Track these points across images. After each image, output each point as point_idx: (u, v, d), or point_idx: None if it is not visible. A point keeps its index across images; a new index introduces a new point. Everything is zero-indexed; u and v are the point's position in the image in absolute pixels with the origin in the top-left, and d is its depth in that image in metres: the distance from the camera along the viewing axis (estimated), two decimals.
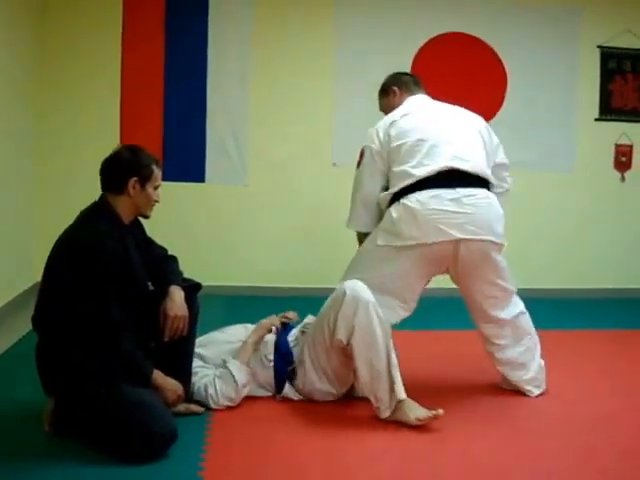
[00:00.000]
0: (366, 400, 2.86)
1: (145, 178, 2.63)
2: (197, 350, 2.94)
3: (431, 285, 3.23)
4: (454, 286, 3.15)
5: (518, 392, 3.16)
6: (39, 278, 2.62)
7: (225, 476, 2.33)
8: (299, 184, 5.46)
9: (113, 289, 2.48)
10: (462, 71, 5.50)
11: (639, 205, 5.83)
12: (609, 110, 5.75)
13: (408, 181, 2.94)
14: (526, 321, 3.16)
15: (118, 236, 2.56)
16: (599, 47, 5.67)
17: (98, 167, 2.65)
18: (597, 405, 3.08)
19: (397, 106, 3.19)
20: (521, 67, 5.59)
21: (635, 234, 5.83)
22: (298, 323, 3.25)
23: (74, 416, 2.50)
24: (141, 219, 2.78)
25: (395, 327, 3.02)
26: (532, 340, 3.16)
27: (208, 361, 3.03)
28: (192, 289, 2.80)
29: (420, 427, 2.70)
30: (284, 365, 3.01)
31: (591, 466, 2.45)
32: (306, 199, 5.45)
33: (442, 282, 3.30)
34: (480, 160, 3.02)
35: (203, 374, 2.92)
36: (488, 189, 3.02)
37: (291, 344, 3.07)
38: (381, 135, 3.06)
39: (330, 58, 5.42)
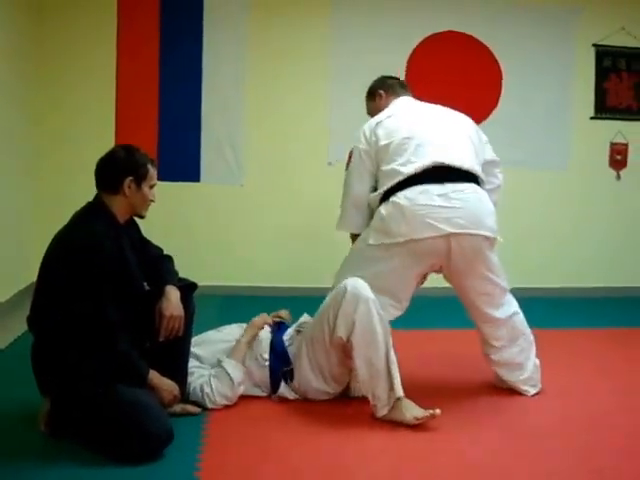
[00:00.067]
0: (363, 400, 2.86)
1: (140, 177, 2.63)
2: (192, 349, 2.93)
3: (426, 284, 3.23)
4: (449, 285, 3.15)
5: (514, 391, 3.16)
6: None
7: (222, 476, 2.32)
8: (295, 184, 5.45)
9: (108, 289, 2.47)
10: (458, 70, 5.49)
11: (634, 204, 5.84)
12: (604, 108, 5.76)
13: (397, 179, 2.94)
14: (520, 321, 3.16)
15: (113, 236, 2.55)
16: (594, 45, 5.67)
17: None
18: (594, 404, 3.08)
19: (383, 108, 3.21)
20: (516, 65, 5.59)
21: (630, 232, 5.83)
22: (292, 322, 3.24)
23: (70, 416, 2.49)
24: (137, 219, 2.77)
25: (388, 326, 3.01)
26: (527, 340, 3.17)
27: (204, 361, 3.02)
28: (188, 289, 2.80)
29: (417, 426, 2.70)
30: (280, 365, 3.00)
31: (588, 465, 2.45)
32: (302, 199, 5.45)
33: (437, 281, 3.31)
34: (468, 156, 3.02)
35: (199, 374, 2.91)
36: (477, 184, 3.02)
37: (286, 343, 3.07)
38: (368, 135, 3.08)
39: (325, 58, 5.41)
